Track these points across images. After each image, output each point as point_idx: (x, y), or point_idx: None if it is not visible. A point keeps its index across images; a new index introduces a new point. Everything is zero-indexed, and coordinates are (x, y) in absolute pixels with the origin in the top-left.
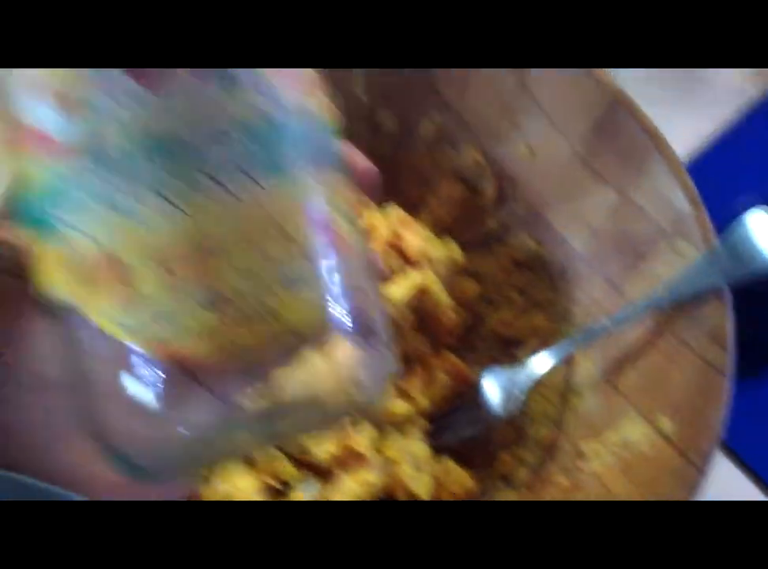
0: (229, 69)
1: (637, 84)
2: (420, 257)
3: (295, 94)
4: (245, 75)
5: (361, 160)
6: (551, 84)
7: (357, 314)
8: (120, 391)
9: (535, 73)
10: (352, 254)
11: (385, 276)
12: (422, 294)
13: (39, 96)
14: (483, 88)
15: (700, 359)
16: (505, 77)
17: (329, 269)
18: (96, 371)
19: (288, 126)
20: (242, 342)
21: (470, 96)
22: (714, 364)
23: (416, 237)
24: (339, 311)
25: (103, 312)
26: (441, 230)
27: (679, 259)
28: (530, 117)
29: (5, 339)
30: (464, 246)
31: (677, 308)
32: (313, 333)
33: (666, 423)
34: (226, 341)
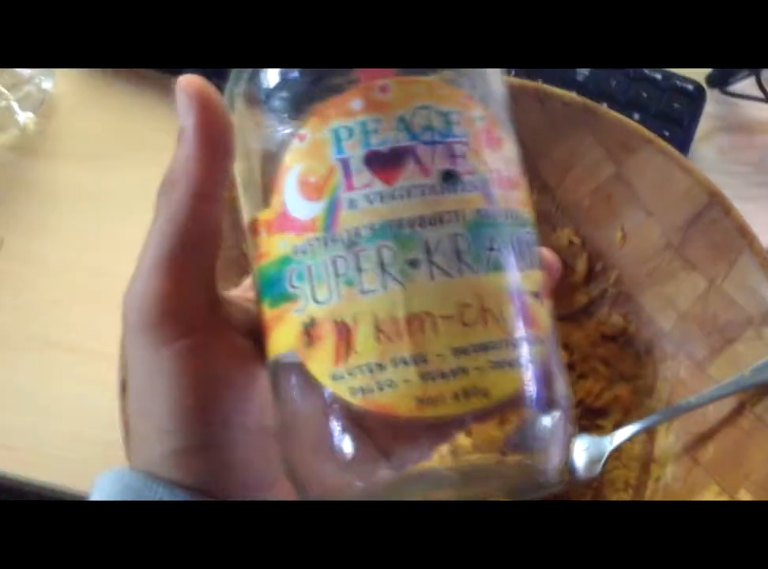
0: (453, 169)
1: (719, 178)
2: None
3: (511, 198)
4: (466, 177)
5: (548, 254)
6: (649, 176)
7: (546, 391)
8: (318, 442)
9: (633, 164)
10: (547, 339)
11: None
12: None
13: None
14: (583, 175)
15: None
16: (605, 166)
17: (527, 349)
18: (301, 423)
19: (500, 224)
20: (437, 399)
21: (570, 180)
22: None
23: None
24: (531, 389)
25: (319, 364)
26: None
27: (765, 346)
28: (626, 205)
29: (241, 386)
30: (555, 318)
31: (759, 390)
32: (503, 402)
33: (747, 499)
34: (424, 396)
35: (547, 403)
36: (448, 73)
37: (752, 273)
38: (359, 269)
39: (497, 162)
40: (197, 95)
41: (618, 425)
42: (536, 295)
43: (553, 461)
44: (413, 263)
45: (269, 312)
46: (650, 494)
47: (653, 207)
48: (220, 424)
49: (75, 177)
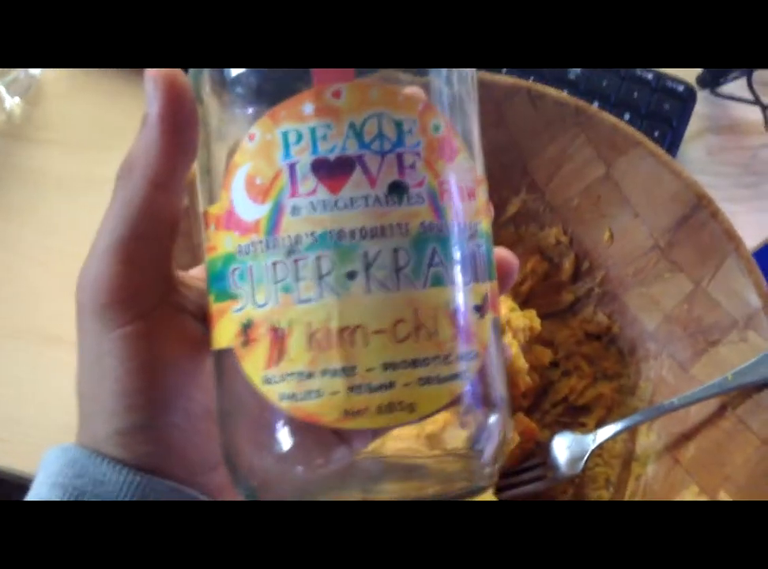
0: (401, 181)
1: (707, 179)
2: (504, 323)
3: (463, 210)
4: (414, 190)
5: (506, 255)
6: (638, 178)
7: (485, 395)
8: (251, 435)
9: (622, 165)
10: (483, 352)
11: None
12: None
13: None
14: (572, 174)
15: (760, 441)
16: (594, 166)
17: (459, 365)
18: (236, 415)
19: (446, 238)
20: (362, 412)
21: (558, 180)
22: None
23: (501, 305)
24: (460, 404)
25: (253, 365)
26: (520, 299)
27: (748, 348)
28: (615, 206)
29: (187, 371)
30: (540, 316)
31: (741, 392)
32: (429, 416)
33: (726, 499)
34: (349, 408)
35: (477, 415)
36: (406, 76)
37: (737, 276)
38: (297, 277)
39: (451, 173)
40: (163, 83)
41: (600, 423)
42: (478, 308)
43: (482, 462)
44: (350, 275)
45: (214, 305)
46: (631, 492)
47: (641, 208)
48: (164, 408)
49: (61, 164)
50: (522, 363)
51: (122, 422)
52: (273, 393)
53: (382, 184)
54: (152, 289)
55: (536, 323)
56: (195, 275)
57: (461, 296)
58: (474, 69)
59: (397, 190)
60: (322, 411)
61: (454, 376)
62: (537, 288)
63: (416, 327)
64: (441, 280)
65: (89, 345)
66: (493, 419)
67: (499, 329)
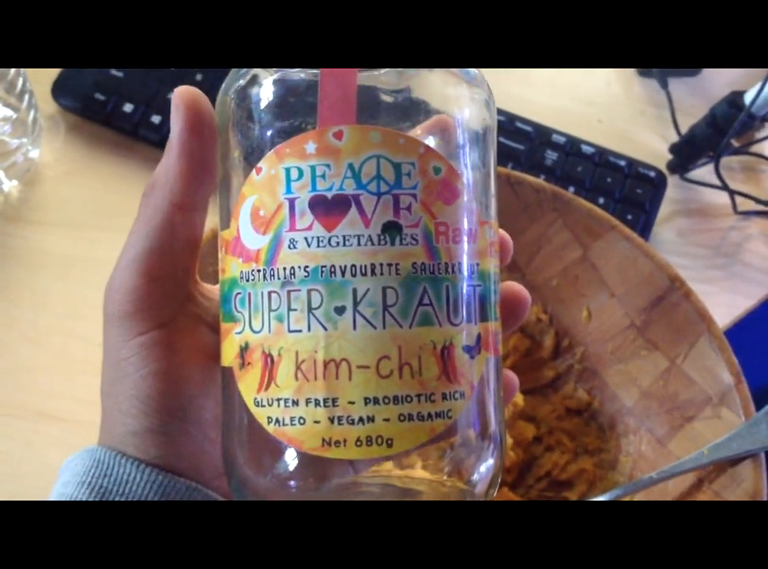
0: (395, 221)
1: (679, 261)
2: None
3: (460, 252)
4: (408, 230)
5: (515, 289)
6: (613, 260)
7: (472, 433)
8: (250, 447)
9: (598, 248)
10: (469, 392)
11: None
12: None
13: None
14: (551, 256)
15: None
16: (572, 249)
17: (443, 405)
18: (237, 427)
19: (439, 279)
20: (340, 442)
21: (538, 261)
22: None
23: None
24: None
25: (247, 387)
26: None
27: (722, 424)
28: (592, 286)
29: (200, 380)
30: (523, 392)
31: (717, 466)
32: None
33: None
34: (329, 438)
35: (467, 450)
36: (407, 124)
37: (710, 355)
38: (290, 308)
39: (449, 215)
40: (185, 106)
41: (582, 497)
42: (468, 349)
43: (476, 494)
44: (339, 310)
45: (222, 324)
46: None
47: (617, 289)
48: (177, 415)
49: (58, 244)
50: (506, 439)
51: (136, 424)
52: (263, 415)
53: (376, 224)
54: (171, 301)
55: (519, 399)
56: (217, 288)
57: (451, 336)
58: (494, 117)
59: (391, 230)
60: (303, 438)
61: (437, 414)
62: (519, 364)
63: (400, 365)
64: (429, 320)
65: (111, 351)
66: (484, 454)
67: (499, 368)
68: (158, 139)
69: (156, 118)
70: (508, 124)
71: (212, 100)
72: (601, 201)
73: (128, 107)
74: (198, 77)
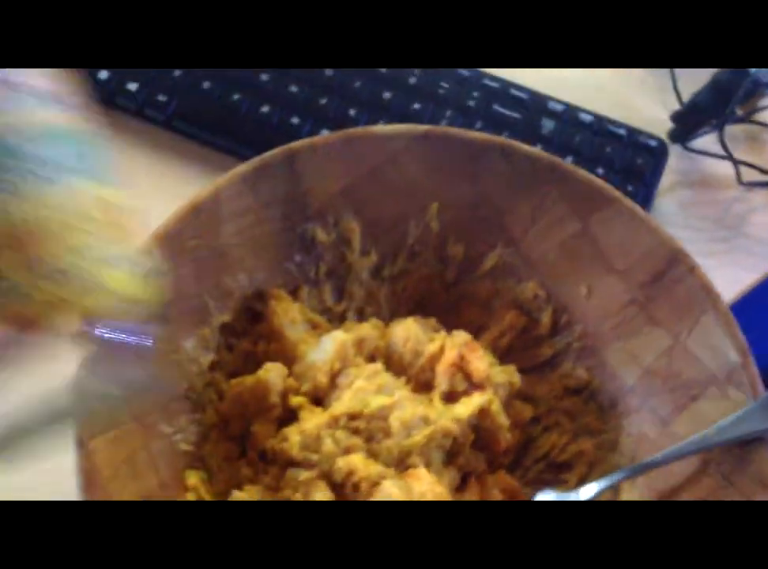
0: None
1: (681, 233)
2: (483, 379)
3: None
4: None
5: None
6: (614, 233)
7: None
8: None
9: (598, 221)
10: None
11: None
12: (483, 414)
13: None
14: (548, 229)
15: (743, 498)
16: (570, 222)
17: None
18: None
19: None
20: None
21: (534, 235)
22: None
23: (481, 361)
24: None
25: None
26: (499, 354)
27: (729, 404)
28: (591, 261)
29: None
30: (520, 371)
31: (723, 448)
32: None
33: None
34: None
35: None
36: None
37: (716, 331)
38: None
39: None
40: None
41: (583, 479)
42: None
43: None
44: None
45: None
46: None
47: (618, 263)
48: None
49: None
50: (503, 420)
51: None
52: None
53: None
54: None
55: (516, 378)
56: None
57: None
58: None
59: None
60: None
61: None
62: (516, 343)
63: None
64: None
65: None
66: None
67: None
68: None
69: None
70: (502, 91)
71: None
72: (600, 171)
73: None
74: None
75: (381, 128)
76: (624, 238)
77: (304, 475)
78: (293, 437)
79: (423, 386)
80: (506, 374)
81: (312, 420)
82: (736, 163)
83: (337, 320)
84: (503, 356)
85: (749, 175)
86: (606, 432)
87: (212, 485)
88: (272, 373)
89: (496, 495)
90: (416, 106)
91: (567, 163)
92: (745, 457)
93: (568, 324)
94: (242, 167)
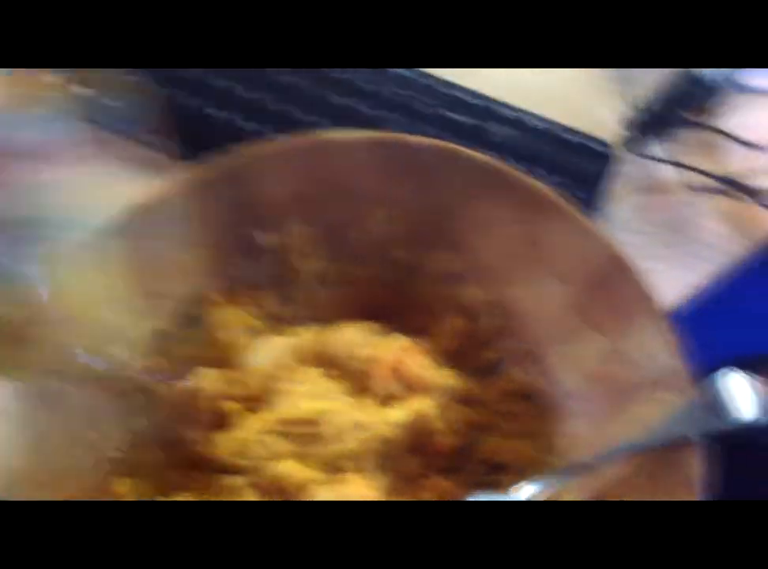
0: None
1: (630, 238)
2: (421, 383)
3: None
4: None
5: None
6: (555, 238)
7: None
8: None
9: (541, 226)
10: None
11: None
12: (419, 419)
13: None
14: (492, 234)
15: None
16: (514, 227)
17: None
18: None
19: None
20: None
21: (479, 240)
22: None
23: (419, 365)
24: None
25: None
26: (441, 358)
27: (662, 407)
28: (534, 265)
29: None
30: (462, 375)
31: (656, 451)
32: None
33: None
34: None
35: None
36: None
37: (650, 335)
38: None
39: None
40: None
41: (518, 482)
42: None
43: None
44: None
45: None
46: None
47: (559, 268)
48: None
49: None
50: (440, 424)
51: None
52: None
53: None
54: None
55: (456, 382)
56: None
57: None
58: None
59: None
60: None
61: None
62: (458, 347)
63: None
64: None
65: None
66: None
67: None
68: None
69: None
70: (451, 95)
71: None
72: (550, 177)
73: None
74: None
75: (330, 134)
76: (566, 242)
77: (233, 481)
78: (223, 443)
79: (361, 391)
80: (446, 379)
81: (244, 426)
82: (686, 169)
83: (281, 325)
84: (446, 359)
85: (699, 180)
86: (544, 435)
87: (141, 493)
88: (205, 379)
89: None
90: (364, 109)
91: (514, 169)
92: (674, 461)
93: (510, 328)
94: (187, 171)
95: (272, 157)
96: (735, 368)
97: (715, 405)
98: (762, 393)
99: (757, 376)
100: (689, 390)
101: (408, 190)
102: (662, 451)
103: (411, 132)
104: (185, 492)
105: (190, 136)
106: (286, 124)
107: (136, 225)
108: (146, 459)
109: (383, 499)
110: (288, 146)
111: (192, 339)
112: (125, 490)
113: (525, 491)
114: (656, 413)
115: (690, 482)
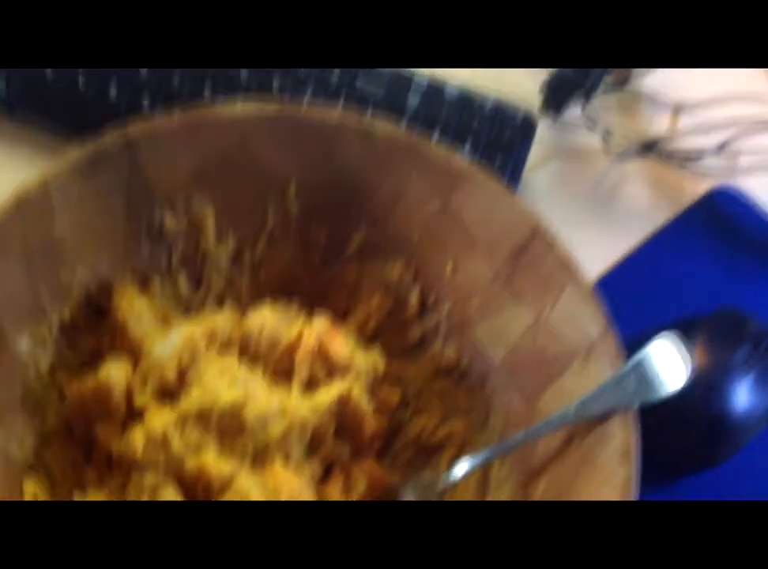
0: None
1: (553, 206)
2: (344, 365)
3: None
4: None
5: None
6: (474, 210)
7: None
8: None
9: (458, 198)
10: None
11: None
12: (344, 402)
13: None
14: (410, 208)
15: (606, 474)
16: (430, 200)
17: None
18: None
19: None
20: None
21: (397, 215)
22: (620, 480)
23: (341, 346)
24: None
25: None
26: (366, 338)
27: (591, 379)
28: (454, 238)
29: None
30: (387, 354)
31: (587, 424)
32: None
33: None
34: None
35: None
36: None
37: (576, 306)
38: None
39: None
40: None
41: (453, 461)
42: None
43: None
44: None
45: None
46: None
47: (480, 240)
48: None
49: None
50: (366, 406)
51: None
52: None
53: None
54: None
55: (380, 362)
56: None
57: None
58: None
59: None
60: None
61: None
62: (384, 326)
63: None
64: None
65: None
66: None
67: None
68: None
69: None
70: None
71: None
72: (467, 146)
73: None
74: None
75: (226, 109)
76: (485, 214)
77: (150, 478)
78: (137, 438)
79: (282, 375)
80: (370, 359)
81: (158, 419)
82: (606, 134)
83: (196, 310)
84: (371, 339)
85: (621, 145)
86: (476, 412)
87: (55, 493)
88: (114, 372)
89: (361, 484)
90: (275, 83)
91: (428, 140)
92: (606, 432)
93: (435, 304)
94: (75, 153)
95: (166, 134)
96: (663, 335)
97: (645, 375)
98: (690, 360)
99: (685, 342)
100: (618, 362)
101: (319, 166)
102: (594, 423)
103: (326, 105)
104: (101, 491)
105: (73, 115)
106: (192, 102)
107: (27, 212)
108: (61, 459)
109: (313, 487)
110: (182, 122)
111: (99, 330)
112: (36, 490)
113: (460, 469)
114: (586, 385)
115: (624, 453)
